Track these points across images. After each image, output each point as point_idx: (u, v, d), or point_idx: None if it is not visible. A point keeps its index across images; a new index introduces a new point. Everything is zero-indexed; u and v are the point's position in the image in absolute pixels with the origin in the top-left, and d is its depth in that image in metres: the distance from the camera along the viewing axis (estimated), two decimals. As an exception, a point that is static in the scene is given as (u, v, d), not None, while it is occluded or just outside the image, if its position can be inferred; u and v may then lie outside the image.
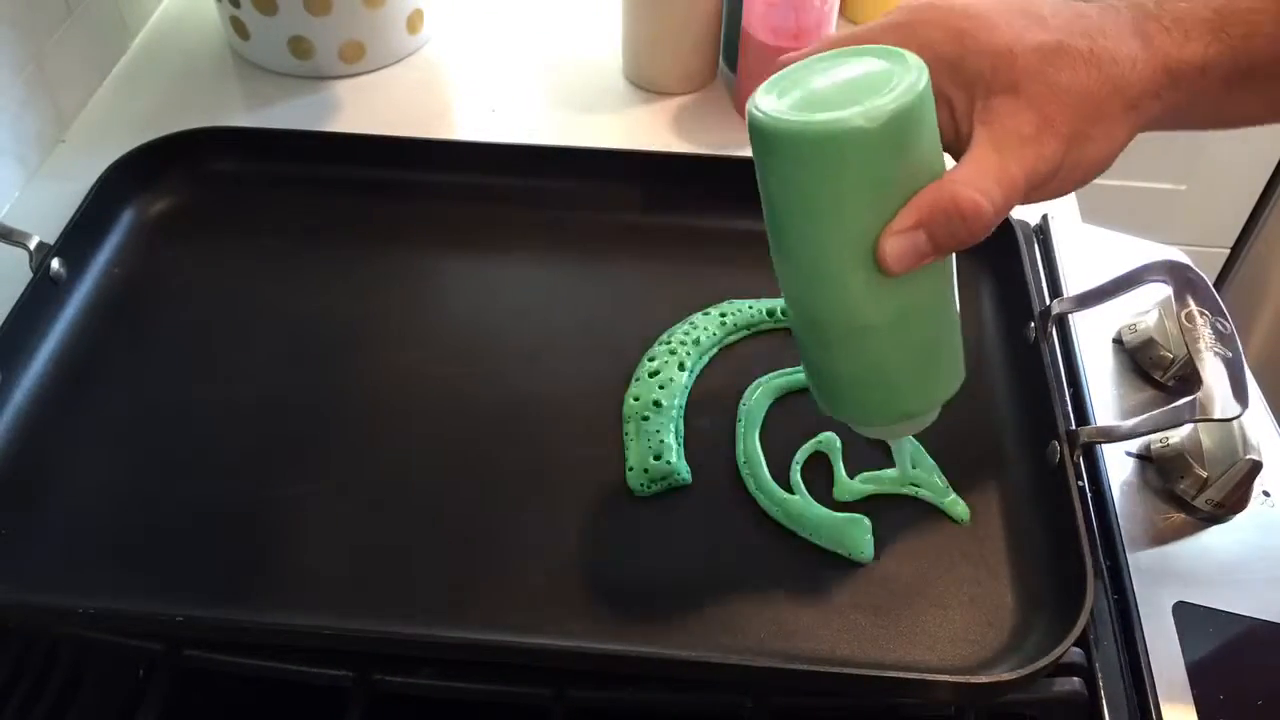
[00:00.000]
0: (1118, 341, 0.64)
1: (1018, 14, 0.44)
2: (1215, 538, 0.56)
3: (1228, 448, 0.55)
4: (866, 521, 0.54)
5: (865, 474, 0.56)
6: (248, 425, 0.59)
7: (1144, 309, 0.63)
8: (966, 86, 0.44)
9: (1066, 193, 0.46)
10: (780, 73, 0.45)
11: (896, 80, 0.41)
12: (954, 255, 0.46)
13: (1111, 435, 0.55)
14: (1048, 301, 0.64)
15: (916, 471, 0.56)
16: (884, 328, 0.45)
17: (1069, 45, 0.43)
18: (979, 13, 0.44)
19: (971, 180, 0.42)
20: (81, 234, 0.66)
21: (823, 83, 0.43)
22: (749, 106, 0.43)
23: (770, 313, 0.64)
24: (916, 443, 0.57)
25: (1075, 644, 0.48)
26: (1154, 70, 0.43)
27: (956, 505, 0.55)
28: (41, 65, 0.77)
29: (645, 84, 0.85)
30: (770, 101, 0.43)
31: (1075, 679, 0.50)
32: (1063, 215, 0.72)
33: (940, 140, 0.44)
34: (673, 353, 0.61)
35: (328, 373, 0.62)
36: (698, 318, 0.63)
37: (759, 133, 0.43)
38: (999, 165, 0.42)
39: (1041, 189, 0.44)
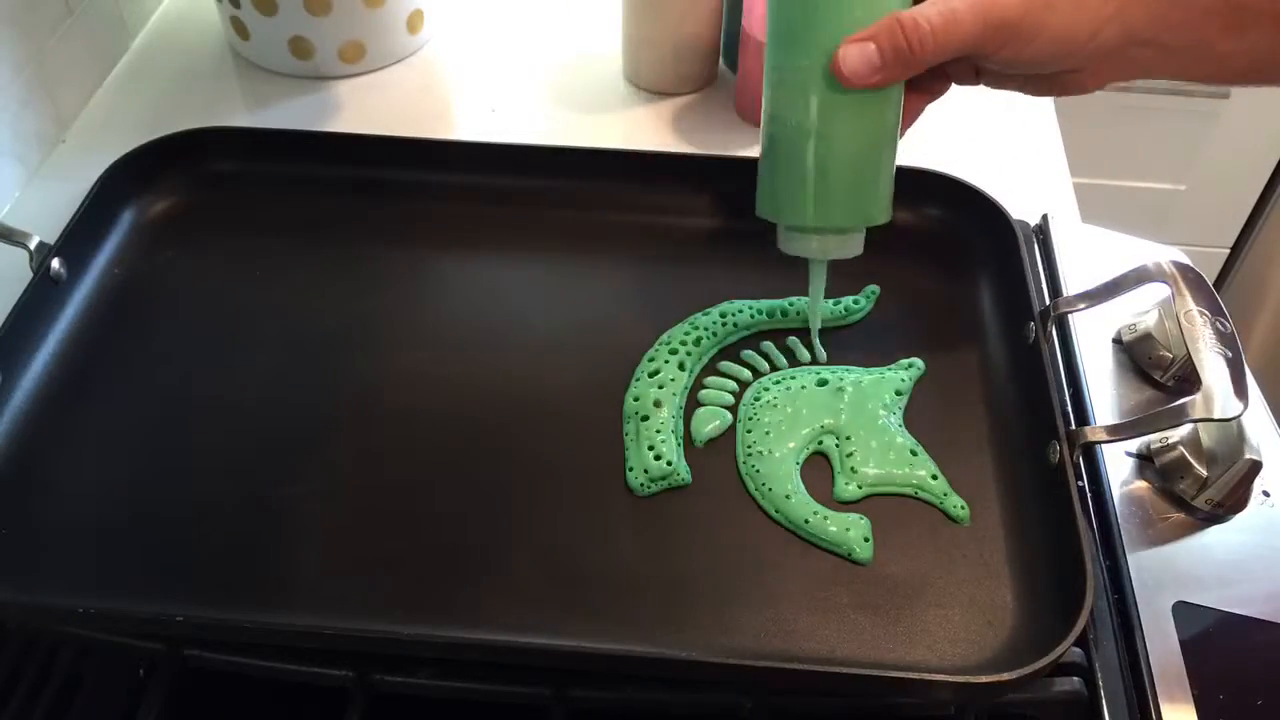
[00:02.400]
0: (1118, 341, 0.64)
1: None
2: (1215, 538, 0.56)
3: (1228, 448, 0.55)
4: (866, 521, 0.54)
5: (865, 474, 0.56)
6: (248, 425, 0.59)
7: (1144, 309, 0.63)
8: None
9: (1030, 65, 0.48)
10: None
11: None
12: (899, 101, 0.53)
13: (1111, 435, 0.55)
14: (1048, 301, 0.64)
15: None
16: (833, 134, 0.53)
17: None
18: None
19: (921, 9, 0.47)
20: (81, 234, 0.66)
21: None
22: None
23: (770, 313, 0.64)
24: (915, 441, 0.57)
25: (1075, 644, 0.48)
26: None
27: (956, 505, 0.55)
28: (41, 65, 0.77)
29: (646, 85, 0.85)
30: None
31: (1075, 679, 0.50)
32: (1063, 215, 0.72)
33: None
34: (673, 353, 0.61)
35: (328, 373, 0.62)
36: (698, 318, 0.63)
37: None
38: (947, 6, 0.47)
39: (1000, 47, 0.46)
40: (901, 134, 0.55)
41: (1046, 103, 0.85)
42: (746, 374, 0.61)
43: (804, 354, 0.62)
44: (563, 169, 0.71)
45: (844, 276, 0.66)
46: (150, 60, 0.88)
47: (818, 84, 0.52)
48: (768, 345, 0.63)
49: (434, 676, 0.52)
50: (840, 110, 0.53)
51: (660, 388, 0.60)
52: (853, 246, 0.57)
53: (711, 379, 0.61)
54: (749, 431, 0.58)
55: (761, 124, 0.57)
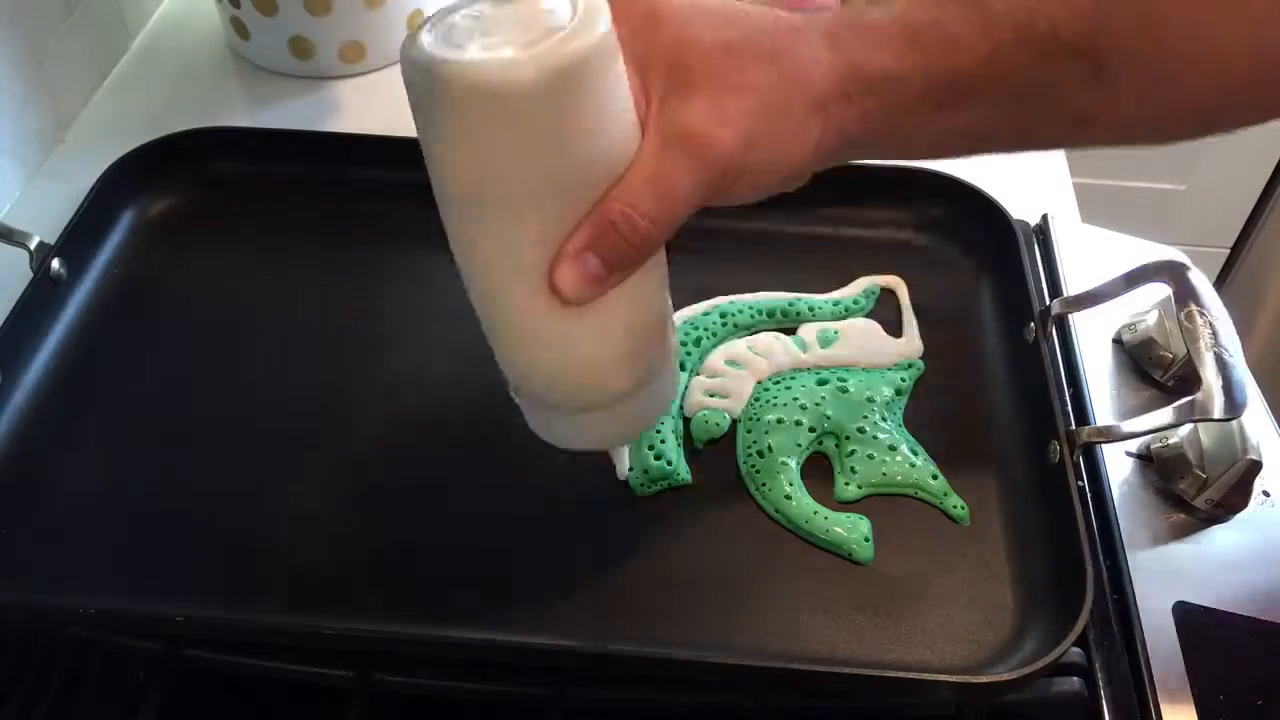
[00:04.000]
0: (1118, 341, 0.64)
1: (706, 14, 0.41)
2: (1215, 538, 0.56)
3: (1228, 448, 0.55)
4: (866, 521, 0.54)
5: (865, 474, 0.56)
6: (248, 425, 0.59)
7: (1144, 309, 0.63)
8: (645, 83, 0.40)
9: (756, 198, 0.44)
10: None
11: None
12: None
13: (1111, 435, 0.55)
14: (1048, 301, 0.64)
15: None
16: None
17: (752, 41, 0.40)
18: (671, 7, 0.41)
19: (623, 193, 0.40)
20: (81, 234, 0.66)
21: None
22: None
23: (770, 313, 0.64)
24: (915, 441, 0.57)
25: (1075, 644, 0.48)
26: (840, 72, 0.41)
27: (956, 505, 0.55)
28: (41, 65, 0.77)
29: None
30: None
31: (1075, 679, 0.50)
32: (1063, 215, 0.72)
33: (633, 115, 0.40)
34: (673, 353, 0.61)
35: (327, 372, 0.62)
36: (698, 318, 0.63)
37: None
38: (654, 171, 0.40)
39: (723, 194, 0.42)
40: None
41: (1046, 103, 0.85)
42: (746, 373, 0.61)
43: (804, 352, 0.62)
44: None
45: (845, 276, 0.66)
46: (150, 60, 0.88)
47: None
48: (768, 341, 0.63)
49: (434, 676, 0.52)
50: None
51: (660, 388, 0.60)
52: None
53: (713, 380, 0.61)
54: (749, 431, 0.58)
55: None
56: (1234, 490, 0.55)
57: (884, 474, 0.56)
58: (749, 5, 0.42)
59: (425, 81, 0.37)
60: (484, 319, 0.44)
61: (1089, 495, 0.57)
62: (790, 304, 0.64)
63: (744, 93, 0.40)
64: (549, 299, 0.40)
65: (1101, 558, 0.54)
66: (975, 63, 0.41)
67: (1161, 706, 0.49)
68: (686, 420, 0.59)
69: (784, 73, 0.40)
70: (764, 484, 0.56)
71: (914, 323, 0.64)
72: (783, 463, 0.56)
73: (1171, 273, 0.56)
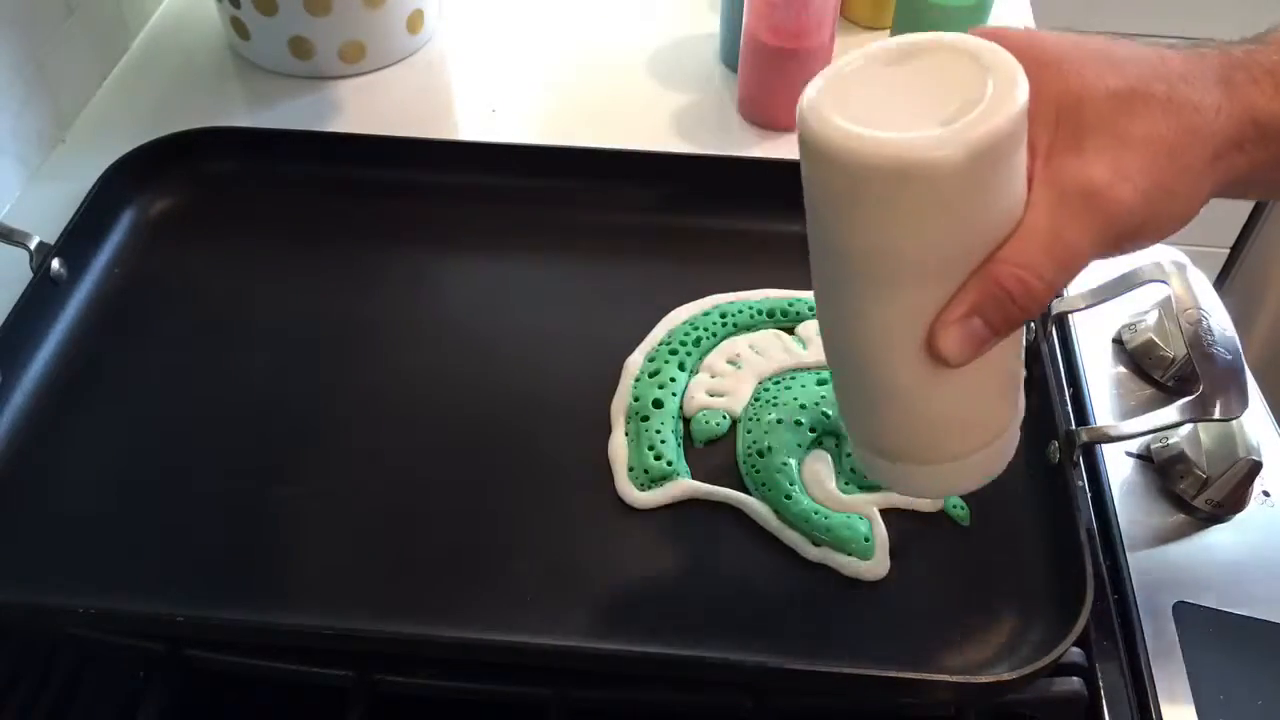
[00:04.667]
0: (1118, 341, 0.64)
1: (1092, 57, 0.39)
2: (1215, 538, 0.56)
3: (1228, 448, 0.55)
4: (866, 522, 0.54)
5: (865, 474, 0.56)
6: (247, 425, 0.59)
7: (1144, 309, 0.63)
8: (1030, 134, 0.38)
9: (1140, 249, 0.41)
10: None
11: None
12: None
13: (1111, 435, 0.55)
14: (1048, 301, 0.64)
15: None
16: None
17: (1145, 91, 0.38)
18: (1052, 51, 0.39)
19: (1017, 256, 0.37)
20: (81, 234, 0.66)
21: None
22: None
23: (770, 313, 0.64)
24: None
25: (1075, 644, 0.48)
26: (1239, 120, 0.39)
27: (956, 505, 0.55)
28: (41, 65, 0.77)
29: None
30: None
31: (1075, 679, 0.50)
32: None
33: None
34: (673, 353, 0.61)
35: (327, 372, 0.62)
36: (698, 318, 0.63)
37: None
38: (1050, 233, 0.37)
39: (1122, 248, 0.40)
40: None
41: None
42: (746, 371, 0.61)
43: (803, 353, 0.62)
44: (563, 169, 0.71)
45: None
46: (150, 60, 0.88)
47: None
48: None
49: (434, 676, 0.52)
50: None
51: (660, 388, 0.60)
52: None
53: (713, 380, 0.61)
54: (749, 432, 0.58)
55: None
56: (1234, 490, 0.55)
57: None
58: (1131, 44, 0.40)
59: (837, 157, 0.35)
60: (854, 385, 0.43)
61: (1089, 495, 0.57)
62: (790, 304, 0.64)
63: (1142, 147, 0.38)
64: (924, 362, 0.39)
65: (1101, 558, 0.54)
66: None
67: (1161, 706, 0.49)
68: (686, 420, 0.59)
69: (1182, 125, 0.38)
70: (764, 484, 0.56)
71: None
72: (783, 463, 0.56)
73: (1171, 273, 0.56)
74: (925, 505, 0.55)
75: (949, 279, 0.38)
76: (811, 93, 0.37)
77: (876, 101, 0.36)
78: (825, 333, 0.43)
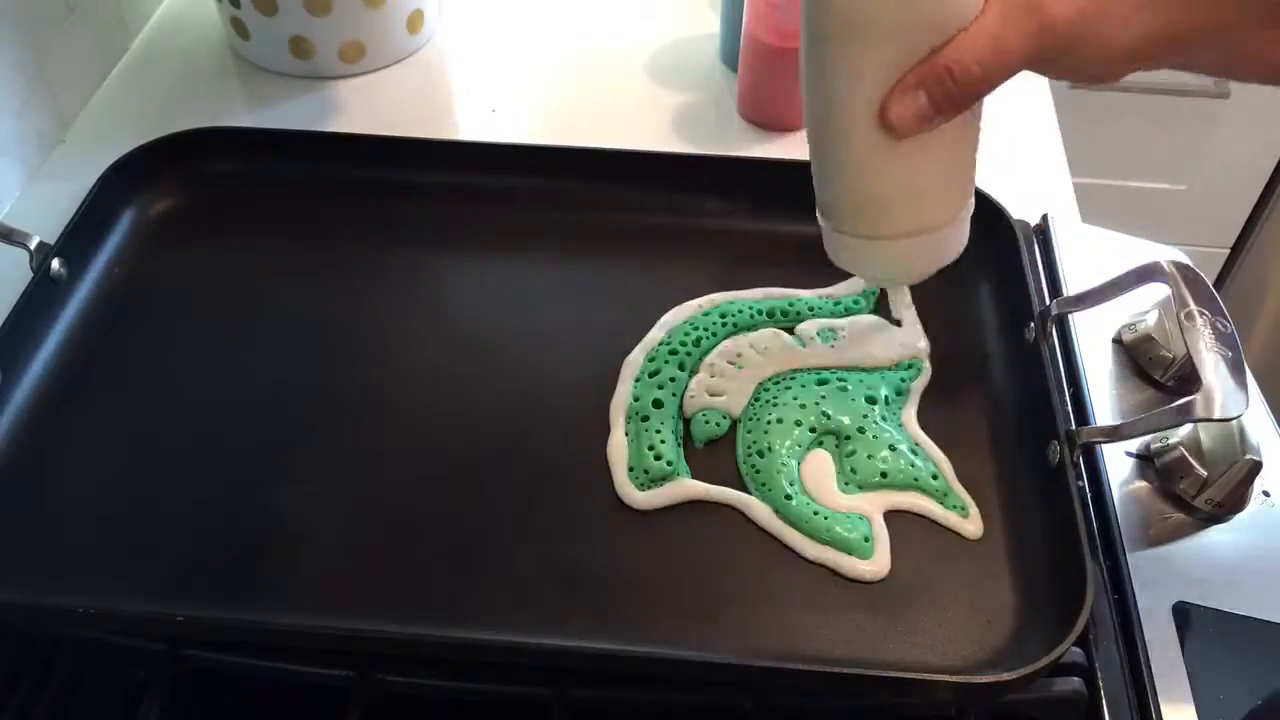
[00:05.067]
0: (1118, 341, 0.64)
1: None
2: (1215, 538, 0.56)
3: (1228, 448, 0.55)
4: (866, 522, 0.54)
5: (865, 474, 0.56)
6: (247, 425, 0.59)
7: (1144, 309, 0.63)
8: None
9: (1090, 76, 0.46)
10: None
11: None
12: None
13: (1111, 435, 0.55)
14: (1048, 301, 0.64)
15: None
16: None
17: None
18: None
19: (963, 45, 0.44)
20: (81, 234, 0.66)
21: None
22: None
23: (770, 313, 0.64)
24: (915, 442, 0.57)
25: (1075, 644, 0.48)
26: None
27: (956, 505, 0.55)
28: (41, 65, 0.77)
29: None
30: None
31: (1075, 679, 0.50)
32: (1063, 215, 0.72)
33: None
34: (673, 353, 0.61)
35: (327, 372, 0.62)
36: (698, 318, 0.63)
37: None
38: (993, 34, 0.43)
39: (1054, 62, 0.44)
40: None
41: (1047, 102, 0.85)
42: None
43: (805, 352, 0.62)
44: (563, 169, 0.71)
45: (844, 275, 0.66)
46: (150, 60, 0.88)
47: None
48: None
49: (434, 676, 0.52)
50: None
51: (660, 388, 0.60)
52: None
53: (713, 380, 0.61)
54: (749, 432, 0.58)
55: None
56: (1234, 490, 0.55)
57: (884, 474, 0.56)
58: None
59: None
60: (819, 144, 0.50)
61: (1089, 495, 0.57)
62: (790, 303, 0.64)
63: None
64: (879, 126, 0.46)
65: (1101, 558, 0.54)
66: None
67: (1161, 706, 0.49)
68: (686, 420, 0.59)
69: None
70: (764, 484, 0.56)
71: (916, 320, 0.64)
72: (783, 463, 0.56)
73: (1171, 273, 0.56)
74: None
75: (903, 46, 0.44)
76: None
77: None
78: (805, 97, 0.49)
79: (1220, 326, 0.53)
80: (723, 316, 0.63)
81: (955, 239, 0.52)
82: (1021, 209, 0.69)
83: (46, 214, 0.69)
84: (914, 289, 0.65)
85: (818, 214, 0.53)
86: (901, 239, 0.51)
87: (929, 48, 0.44)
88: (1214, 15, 0.43)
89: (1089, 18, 0.43)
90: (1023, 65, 0.44)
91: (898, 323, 0.64)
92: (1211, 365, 0.51)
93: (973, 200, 0.52)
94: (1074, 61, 0.44)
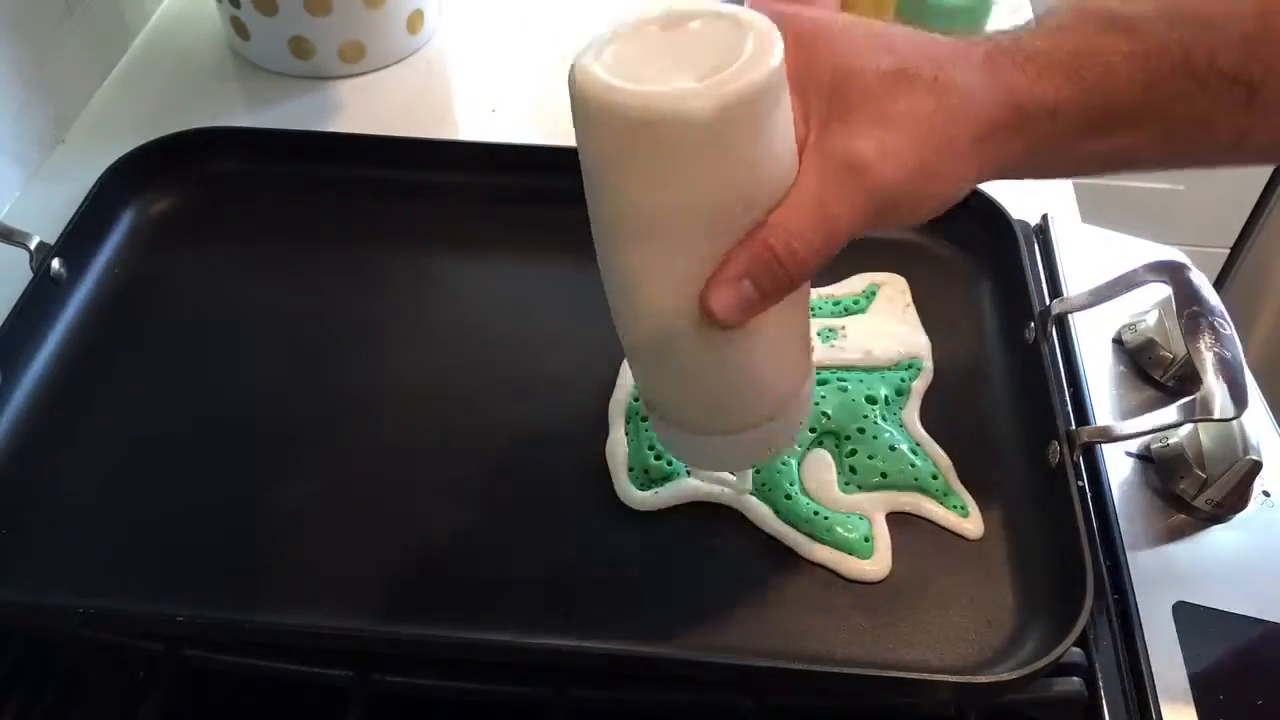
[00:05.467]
0: (1118, 341, 0.64)
1: (868, 37, 0.41)
2: (1215, 538, 0.56)
3: (1228, 448, 0.55)
4: (866, 522, 0.54)
5: (865, 474, 0.56)
6: (247, 425, 0.59)
7: (1144, 309, 0.63)
8: (802, 110, 0.40)
9: (911, 223, 0.44)
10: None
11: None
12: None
13: (1111, 435, 0.55)
14: (1048, 301, 0.64)
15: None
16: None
17: (912, 72, 0.40)
18: (826, 27, 0.41)
19: (787, 223, 0.39)
20: (81, 234, 0.66)
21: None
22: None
23: (770, 313, 0.64)
24: (915, 442, 0.57)
25: (1075, 644, 0.48)
26: (1001, 105, 0.40)
27: (956, 505, 0.55)
28: (41, 65, 0.77)
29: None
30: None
31: (1075, 679, 0.50)
32: (1063, 215, 0.72)
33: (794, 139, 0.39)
34: (673, 353, 0.61)
35: (327, 372, 0.62)
36: (698, 318, 0.63)
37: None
38: (818, 204, 0.39)
39: (882, 222, 0.41)
40: None
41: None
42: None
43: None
44: (563, 169, 0.70)
45: (844, 275, 0.66)
46: (150, 60, 0.88)
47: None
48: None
49: (434, 676, 0.52)
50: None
51: (660, 388, 0.60)
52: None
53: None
54: (749, 431, 0.58)
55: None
56: (1234, 490, 0.55)
57: (884, 474, 0.56)
58: (908, 29, 0.42)
59: (598, 111, 0.37)
60: (631, 339, 0.44)
61: (1089, 495, 0.57)
62: (790, 304, 0.64)
63: (906, 124, 0.40)
64: (701, 323, 0.40)
65: (1101, 558, 0.54)
66: (1133, 93, 0.41)
67: (1161, 706, 0.49)
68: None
69: (945, 106, 0.40)
70: (764, 484, 0.55)
71: (917, 319, 0.64)
72: (783, 463, 0.56)
73: (1171, 273, 0.56)
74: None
75: (713, 239, 0.39)
76: (585, 50, 0.38)
77: (645, 61, 0.38)
78: (610, 297, 0.43)
79: (1220, 326, 0.53)
80: (723, 316, 0.63)
81: (796, 418, 0.47)
82: (1021, 209, 0.69)
83: (46, 214, 0.69)
84: (914, 289, 0.65)
85: (647, 412, 0.49)
86: (749, 429, 0.46)
87: (741, 230, 0.39)
88: (1040, 135, 0.41)
89: (916, 179, 0.40)
90: (856, 233, 0.40)
91: (899, 323, 0.63)
92: (1211, 365, 0.51)
93: (806, 389, 0.47)
94: (902, 217, 0.42)
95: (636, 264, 0.40)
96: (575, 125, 0.39)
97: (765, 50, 0.37)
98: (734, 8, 0.39)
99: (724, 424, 0.45)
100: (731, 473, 0.54)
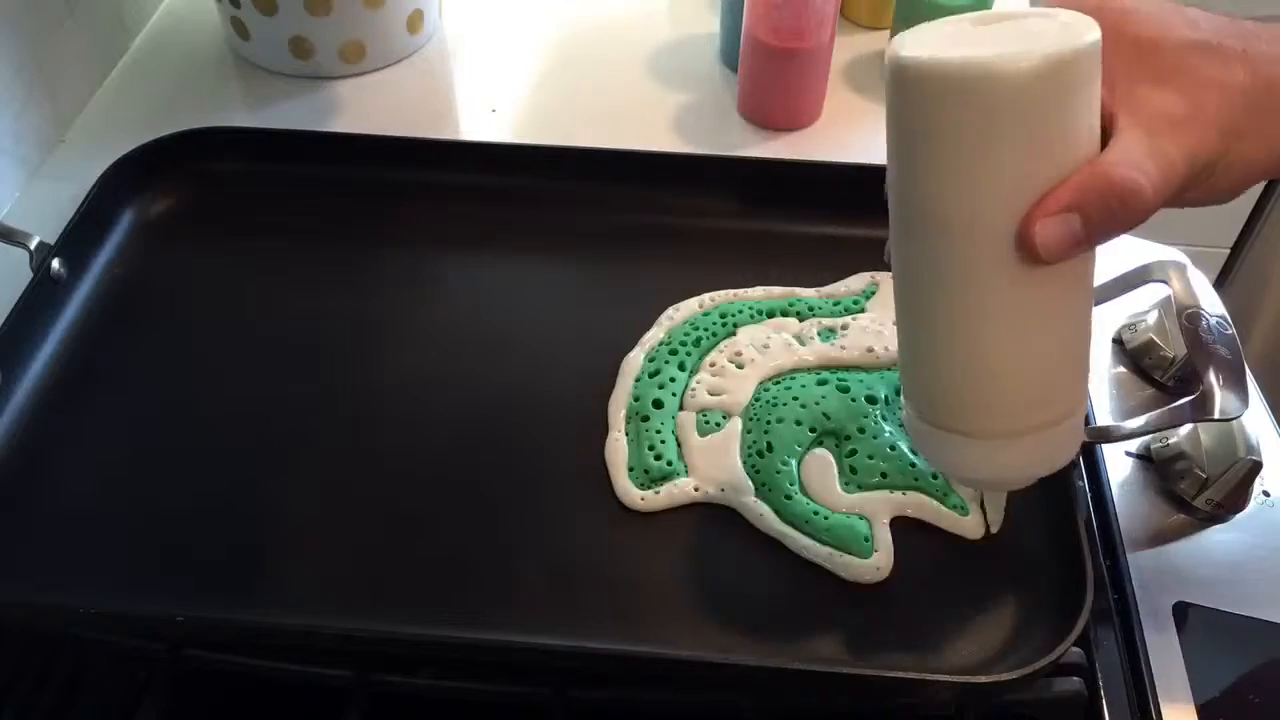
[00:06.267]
0: (1118, 341, 0.64)
1: (1171, 13, 0.42)
2: (1215, 538, 0.56)
3: (1228, 448, 0.55)
4: (866, 522, 0.54)
5: (865, 474, 0.56)
6: (247, 425, 0.59)
7: (1144, 309, 0.63)
8: (1107, 79, 0.40)
9: (1223, 198, 0.43)
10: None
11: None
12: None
13: (1111, 435, 0.55)
14: (1048, 301, 0.64)
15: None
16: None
17: (1220, 44, 0.41)
18: (1127, 5, 0.42)
19: (1124, 159, 0.39)
20: (81, 234, 0.66)
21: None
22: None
23: (770, 313, 0.64)
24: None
25: (1075, 644, 0.48)
26: None
27: (957, 505, 0.55)
28: (41, 65, 0.77)
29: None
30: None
31: (1075, 679, 0.50)
32: (1063, 215, 0.72)
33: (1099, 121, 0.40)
34: (673, 353, 0.61)
35: (327, 372, 0.62)
36: (698, 318, 0.63)
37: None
38: (1151, 145, 0.39)
39: (1199, 185, 0.41)
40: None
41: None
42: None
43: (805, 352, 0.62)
44: (562, 169, 0.71)
45: (844, 275, 0.66)
46: (150, 60, 0.88)
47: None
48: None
49: (434, 676, 0.52)
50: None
51: (660, 388, 0.60)
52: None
53: (713, 379, 0.61)
54: (749, 431, 0.58)
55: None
56: (1234, 490, 0.55)
57: (884, 474, 0.56)
58: (1206, 11, 0.43)
59: (917, 78, 0.38)
60: (915, 303, 0.43)
61: (1089, 495, 0.57)
62: (790, 304, 0.64)
63: (1218, 90, 0.40)
64: (1010, 274, 0.40)
65: (1101, 558, 0.54)
66: None
67: (1161, 706, 0.49)
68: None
69: (1260, 74, 0.41)
70: (764, 484, 0.56)
71: None
72: (783, 463, 0.56)
73: (1171, 273, 0.56)
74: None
75: (1021, 207, 0.39)
76: (902, 37, 0.40)
77: (964, 42, 0.39)
78: (899, 267, 0.43)
79: (1220, 326, 0.53)
80: (723, 316, 0.63)
81: (1074, 434, 0.45)
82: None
83: (46, 214, 0.69)
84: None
85: (903, 403, 0.47)
86: (1016, 435, 0.44)
87: (1047, 179, 0.38)
88: None
89: (1233, 140, 0.40)
90: (1180, 187, 0.40)
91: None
92: (1211, 365, 0.51)
93: (1083, 406, 0.45)
94: (1220, 186, 0.42)
95: (947, 238, 0.40)
96: (889, 100, 0.40)
97: (1083, 28, 0.38)
98: (1045, 9, 0.41)
99: (1001, 421, 0.44)
100: (988, 498, 0.53)
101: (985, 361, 0.42)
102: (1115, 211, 0.39)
